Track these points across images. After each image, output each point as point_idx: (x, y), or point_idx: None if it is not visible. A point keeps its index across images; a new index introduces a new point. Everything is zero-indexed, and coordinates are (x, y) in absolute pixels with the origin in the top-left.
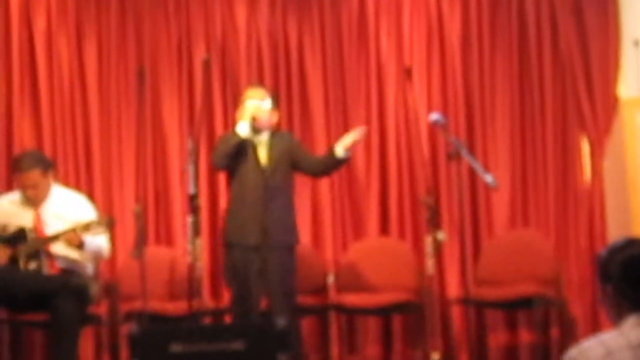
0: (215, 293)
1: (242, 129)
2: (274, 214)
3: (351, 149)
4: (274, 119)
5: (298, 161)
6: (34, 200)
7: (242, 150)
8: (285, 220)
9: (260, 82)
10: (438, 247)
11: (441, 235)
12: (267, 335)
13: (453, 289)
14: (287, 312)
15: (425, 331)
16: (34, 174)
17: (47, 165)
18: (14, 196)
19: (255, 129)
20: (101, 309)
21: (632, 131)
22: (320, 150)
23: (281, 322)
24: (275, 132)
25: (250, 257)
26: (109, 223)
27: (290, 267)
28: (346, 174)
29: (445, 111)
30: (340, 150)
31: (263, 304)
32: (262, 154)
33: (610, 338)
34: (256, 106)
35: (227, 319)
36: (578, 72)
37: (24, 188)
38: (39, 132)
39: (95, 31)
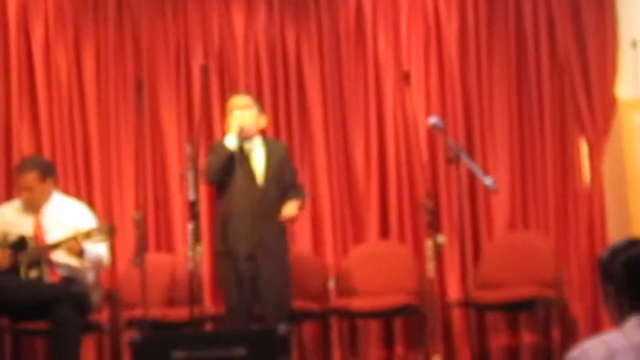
0: (216, 299)
1: (231, 142)
2: (267, 223)
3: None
4: (262, 123)
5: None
6: (30, 204)
7: (233, 162)
8: (278, 229)
9: (247, 89)
10: (438, 250)
11: (441, 239)
12: (268, 341)
13: (454, 292)
14: (283, 320)
15: (426, 334)
16: (31, 177)
17: (47, 171)
18: (15, 204)
19: (244, 139)
20: (102, 317)
21: (631, 132)
22: (320, 156)
23: (282, 327)
24: (269, 139)
25: (243, 266)
26: (110, 231)
27: (284, 275)
28: (346, 178)
29: (443, 115)
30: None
31: (257, 311)
32: (257, 162)
33: (613, 338)
34: (241, 116)
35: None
36: (576, 74)
37: (20, 190)
38: (37, 140)
39: (93, 39)
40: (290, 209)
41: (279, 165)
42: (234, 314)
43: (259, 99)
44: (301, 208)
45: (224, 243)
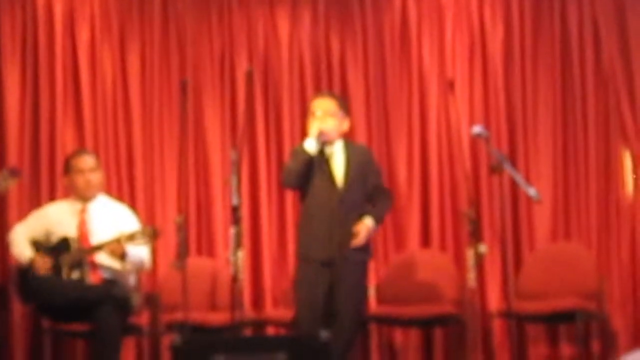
0: (257, 304)
1: (310, 146)
2: (347, 228)
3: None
4: (345, 127)
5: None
6: (88, 189)
7: (312, 166)
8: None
9: (329, 90)
10: (479, 259)
11: (482, 248)
12: (309, 347)
13: (494, 302)
14: (355, 327)
15: (466, 344)
16: (91, 158)
17: (99, 161)
18: (59, 204)
19: (324, 143)
20: (142, 320)
21: None
22: None
23: (324, 334)
24: (351, 142)
25: (322, 271)
26: (153, 234)
27: (362, 283)
28: (388, 186)
29: (487, 124)
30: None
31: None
32: (337, 166)
33: None
34: (322, 119)
35: (270, 331)
36: (620, 85)
37: (83, 172)
38: (81, 143)
39: (139, 43)
40: (361, 232)
41: (360, 169)
42: (303, 319)
43: (344, 101)
44: (379, 223)
45: (304, 247)
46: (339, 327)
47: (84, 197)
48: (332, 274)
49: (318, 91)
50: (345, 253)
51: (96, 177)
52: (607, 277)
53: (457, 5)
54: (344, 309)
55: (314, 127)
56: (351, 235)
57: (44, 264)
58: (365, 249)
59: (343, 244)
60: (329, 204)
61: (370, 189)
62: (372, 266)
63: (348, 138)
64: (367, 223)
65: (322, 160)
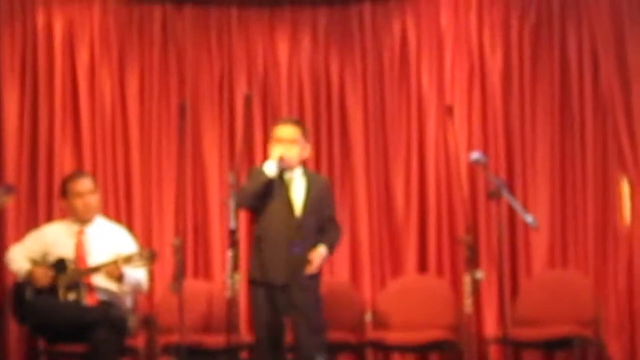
0: (253, 327)
1: (270, 169)
2: (303, 256)
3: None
4: (306, 154)
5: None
6: (86, 212)
7: (270, 189)
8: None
9: (290, 116)
10: (476, 285)
11: (479, 274)
12: None
13: (491, 328)
14: (322, 349)
15: None
16: (88, 181)
17: (95, 183)
18: (57, 225)
19: (284, 169)
20: (139, 342)
21: None
22: (360, 187)
23: (320, 358)
24: (310, 172)
25: (276, 295)
26: (151, 256)
27: (318, 307)
28: (385, 211)
29: (485, 150)
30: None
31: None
32: (296, 193)
33: None
34: (284, 148)
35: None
36: (619, 112)
37: (80, 195)
38: (79, 164)
39: (138, 64)
40: (315, 259)
41: (319, 199)
42: (264, 344)
43: (303, 126)
44: (332, 251)
45: (258, 271)
46: (301, 349)
47: (83, 220)
48: (286, 298)
49: (317, 115)
50: (298, 278)
51: (94, 200)
52: (604, 304)
53: (457, 30)
54: (305, 330)
55: (275, 152)
56: (306, 262)
57: (44, 275)
58: (317, 275)
59: (298, 270)
60: (286, 229)
61: (324, 220)
62: (368, 291)
63: (307, 167)
64: (320, 251)
65: (281, 185)
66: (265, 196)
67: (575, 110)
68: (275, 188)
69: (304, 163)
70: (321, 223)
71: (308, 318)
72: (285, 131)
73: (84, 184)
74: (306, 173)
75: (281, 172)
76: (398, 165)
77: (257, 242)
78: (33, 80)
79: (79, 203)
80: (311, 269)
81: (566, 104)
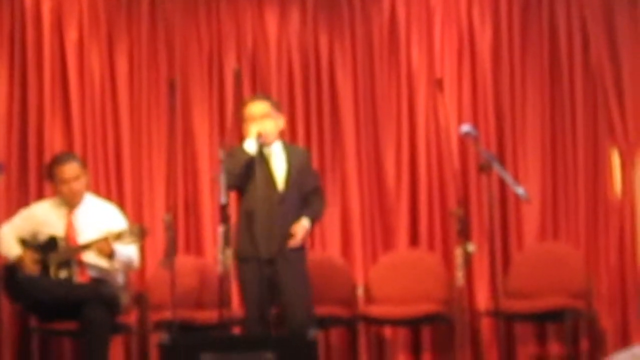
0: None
1: (250, 147)
2: (287, 228)
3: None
4: (281, 125)
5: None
6: (72, 197)
7: (252, 167)
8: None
9: (257, 93)
10: (468, 259)
11: (471, 247)
12: (296, 346)
13: (482, 301)
14: (310, 325)
15: (454, 343)
16: (75, 165)
17: (84, 164)
18: (46, 204)
19: (262, 145)
20: (131, 318)
21: None
22: (351, 162)
23: (311, 333)
24: (289, 145)
25: (263, 270)
26: (141, 233)
27: (305, 280)
28: (376, 185)
29: (475, 123)
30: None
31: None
32: (277, 167)
33: None
34: (259, 122)
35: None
36: (609, 84)
37: (65, 182)
38: (69, 141)
39: (127, 42)
40: (298, 233)
41: (300, 171)
42: (253, 318)
43: (272, 99)
44: (315, 222)
45: (244, 247)
46: (291, 323)
47: (70, 204)
48: (273, 272)
49: (306, 90)
50: (283, 252)
51: (80, 184)
52: (596, 276)
53: (446, 5)
54: (293, 303)
55: (252, 129)
56: (289, 235)
57: (32, 263)
58: (302, 248)
59: (282, 243)
60: (269, 204)
61: (307, 192)
62: (360, 265)
63: (285, 139)
64: (304, 224)
65: (261, 160)
66: (248, 174)
67: (565, 82)
68: (256, 164)
69: (281, 135)
70: (304, 194)
71: (296, 291)
72: (256, 108)
73: (69, 170)
74: (285, 146)
75: (260, 148)
76: (388, 139)
77: (242, 219)
78: (22, 58)
79: (64, 189)
80: (294, 242)
81: (556, 76)
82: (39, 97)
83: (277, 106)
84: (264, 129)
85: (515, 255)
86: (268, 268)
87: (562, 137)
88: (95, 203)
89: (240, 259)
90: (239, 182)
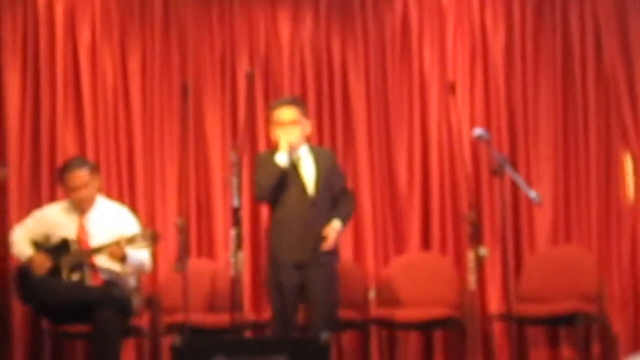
0: (257, 306)
1: (283, 160)
2: (318, 232)
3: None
4: (308, 130)
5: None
6: (81, 204)
7: (285, 178)
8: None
9: (286, 97)
10: (480, 262)
11: (483, 251)
12: (309, 349)
13: (495, 305)
14: (329, 327)
15: (466, 347)
16: (82, 173)
17: (95, 170)
18: (59, 206)
19: (294, 153)
20: (143, 322)
21: None
22: (363, 165)
23: (324, 336)
24: (315, 147)
25: (293, 273)
26: (153, 237)
27: (333, 285)
28: (388, 188)
29: (488, 126)
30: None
31: (301, 318)
32: (307, 172)
33: None
34: (289, 133)
35: (268, 333)
36: (622, 88)
37: (73, 190)
38: (82, 145)
39: (140, 44)
40: (331, 236)
41: (329, 174)
42: (280, 321)
43: (302, 104)
44: (346, 223)
45: (276, 251)
46: (312, 328)
47: (80, 211)
48: (303, 276)
49: (319, 93)
50: (316, 256)
51: (88, 192)
52: (608, 280)
53: (459, 8)
54: (317, 310)
55: (283, 142)
56: (322, 238)
57: (42, 264)
58: (334, 252)
59: (315, 248)
60: (301, 209)
61: (337, 193)
62: (372, 268)
63: (311, 142)
64: (335, 226)
65: (292, 169)
66: (282, 186)
67: (578, 86)
68: (289, 176)
69: (307, 139)
70: (334, 196)
71: (321, 296)
72: (285, 114)
73: (77, 178)
74: (312, 149)
75: (292, 159)
76: (401, 142)
77: (275, 226)
78: (35, 61)
79: (73, 197)
80: (327, 245)
81: (569, 80)
82: (52, 100)
83: (305, 111)
84: (293, 139)
85: (527, 259)
86: (300, 273)
87: (575, 140)
88: (108, 206)
89: (272, 261)
90: (274, 195)
